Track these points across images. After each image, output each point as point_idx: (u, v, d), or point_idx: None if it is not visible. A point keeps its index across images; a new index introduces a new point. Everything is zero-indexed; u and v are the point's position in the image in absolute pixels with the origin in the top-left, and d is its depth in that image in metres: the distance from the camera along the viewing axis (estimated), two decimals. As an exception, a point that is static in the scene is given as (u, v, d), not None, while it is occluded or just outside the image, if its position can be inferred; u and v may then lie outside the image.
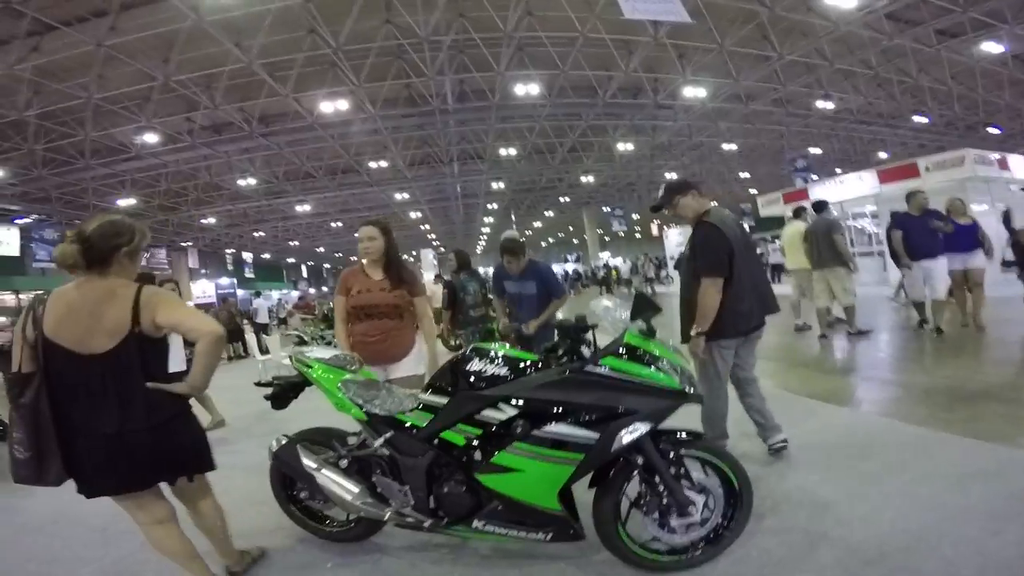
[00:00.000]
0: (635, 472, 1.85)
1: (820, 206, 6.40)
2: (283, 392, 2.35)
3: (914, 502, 2.13)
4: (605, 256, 29.77)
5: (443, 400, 2.02)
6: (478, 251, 40.10)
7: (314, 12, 9.80)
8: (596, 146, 20.27)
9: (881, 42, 12.59)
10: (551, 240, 49.36)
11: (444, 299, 5.12)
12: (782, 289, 13.85)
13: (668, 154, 22.31)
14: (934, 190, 6.68)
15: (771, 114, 17.70)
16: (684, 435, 1.94)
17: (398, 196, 23.78)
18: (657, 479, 1.83)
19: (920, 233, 5.46)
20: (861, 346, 5.70)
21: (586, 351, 2.03)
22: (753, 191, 24.82)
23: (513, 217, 30.77)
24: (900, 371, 4.68)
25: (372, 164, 19.01)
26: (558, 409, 1.83)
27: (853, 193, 12.13)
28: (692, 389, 1.88)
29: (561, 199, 29.22)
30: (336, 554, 2.27)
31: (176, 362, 3.16)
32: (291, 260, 40.96)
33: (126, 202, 18.21)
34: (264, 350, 9.41)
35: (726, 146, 21.09)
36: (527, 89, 14.00)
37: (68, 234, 1.79)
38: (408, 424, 2.03)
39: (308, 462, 2.19)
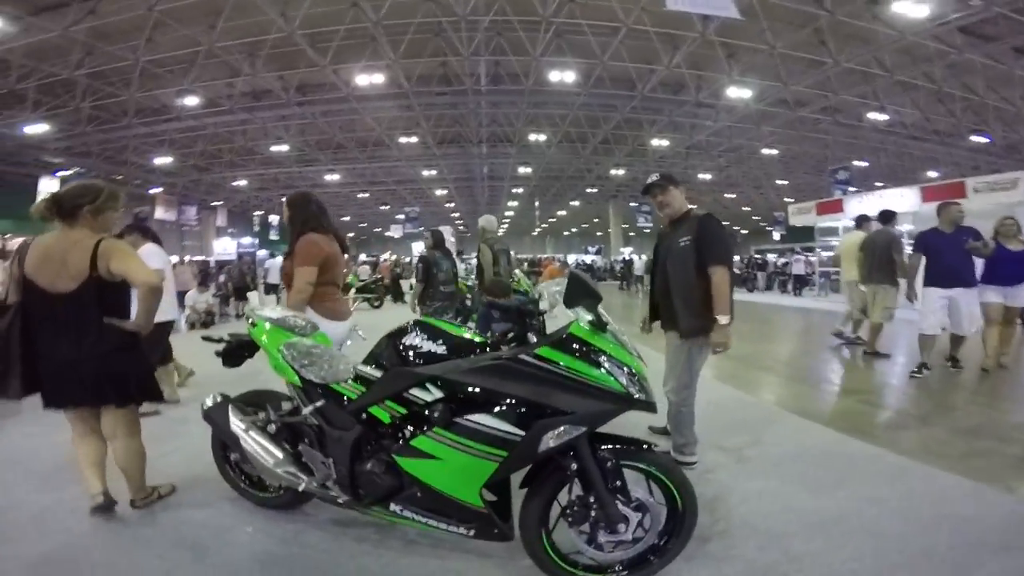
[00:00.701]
0: (567, 477, 1.70)
1: (887, 216, 5.87)
2: (234, 350, 2.29)
3: (876, 541, 2.04)
4: (627, 251, 29.39)
5: (378, 373, 1.94)
6: (500, 232, 40.11)
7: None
8: (630, 140, 19.88)
9: (949, 55, 11.83)
10: (573, 230, 48.91)
11: (418, 273, 5.26)
12: (801, 302, 13.55)
13: (704, 154, 21.76)
14: (980, 213, 6.15)
15: (818, 122, 16.98)
16: (630, 444, 1.77)
17: (425, 172, 23.96)
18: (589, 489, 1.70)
19: (951, 253, 4.66)
20: (872, 368, 5.47)
21: (535, 339, 1.89)
22: (789, 200, 24.02)
23: (537, 203, 30.60)
24: (904, 398, 4.47)
25: (402, 139, 19.09)
26: (484, 398, 1.69)
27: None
28: (642, 395, 1.69)
29: (588, 190, 28.92)
30: (261, 519, 2.26)
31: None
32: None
33: (163, 160, 18.81)
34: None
35: (766, 151, 20.41)
36: (563, 76, 13.79)
37: (45, 195, 2.21)
38: (340, 395, 1.96)
39: (236, 423, 2.16)
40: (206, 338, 2.43)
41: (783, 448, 3.11)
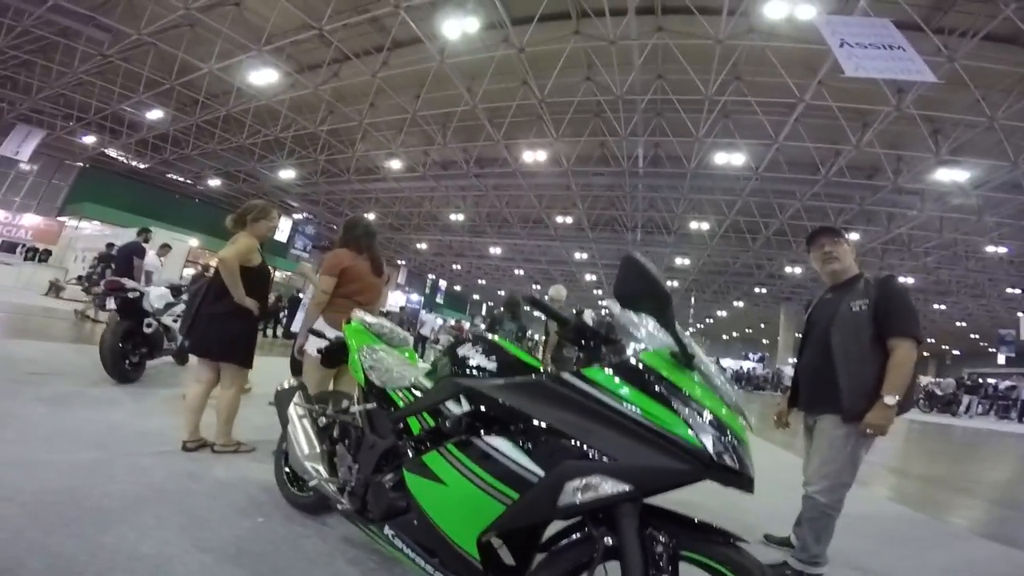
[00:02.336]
0: (596, 554, 1.20)
1: None
2: (335, 350, 2.30)
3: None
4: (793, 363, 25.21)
5: (430, 384, 1.81)
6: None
7: (526, 63, 10.98)
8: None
9: None
10: (734, 334, 44.18)
11: (485, 325, 5.91)
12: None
13: (905, 252, 18.20)
14: None
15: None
16: (701, 530, 1.24)
17: (577, 255, 24.46)
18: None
19: None
20: None
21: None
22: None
23: (693, 300, 28.74)
24: None
25: (559, 218, 19.93)
26: (510, 421, 1.38)
27: None
28: (732, 462, 1.16)
29: (757, 289, 26.24)
30: (282, 514, 2.21)
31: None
32: (476, 297, 45.24)
33: (369, 215, 22.79)
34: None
35: (992, 248, 16.34)
36: (730, 159, 13.24)
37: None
38: (392, 402, 1.86)
39: (293, 409, 2.23)
40: (316, 334, 2.63)
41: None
